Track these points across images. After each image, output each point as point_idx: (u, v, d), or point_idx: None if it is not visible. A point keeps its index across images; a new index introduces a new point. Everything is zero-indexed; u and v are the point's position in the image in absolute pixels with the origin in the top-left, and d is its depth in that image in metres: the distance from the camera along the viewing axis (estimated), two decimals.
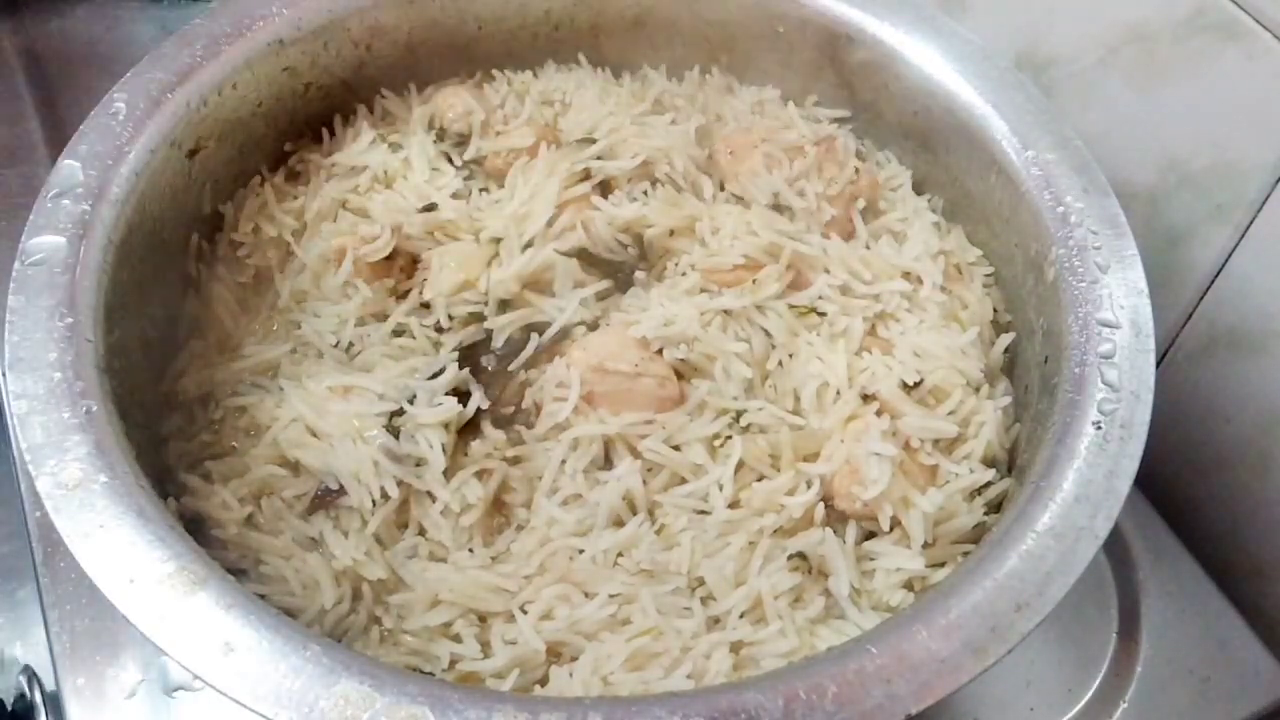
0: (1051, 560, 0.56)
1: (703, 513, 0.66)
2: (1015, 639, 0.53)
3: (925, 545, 0.66)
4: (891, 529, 0.66)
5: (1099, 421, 0.61)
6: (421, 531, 0.66)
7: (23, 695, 0.74)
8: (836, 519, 0.67)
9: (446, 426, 0.68)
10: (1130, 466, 0.59)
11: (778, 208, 0.80)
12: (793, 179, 0.81)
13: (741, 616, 0.63)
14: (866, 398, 0.70)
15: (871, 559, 0.66)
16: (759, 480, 0.67)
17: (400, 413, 0.68)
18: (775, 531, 0.65)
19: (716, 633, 0.62)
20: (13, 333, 0.61)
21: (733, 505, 0.66)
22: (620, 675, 0.59)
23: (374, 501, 0.65)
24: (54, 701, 0.72)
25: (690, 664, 0.59)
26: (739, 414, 0.70)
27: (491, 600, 0.63)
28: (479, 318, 0.74)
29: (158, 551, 0.54)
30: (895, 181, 0.85)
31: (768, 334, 0.74)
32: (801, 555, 0.65)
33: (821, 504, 0.66)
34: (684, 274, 0.76)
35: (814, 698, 0.50)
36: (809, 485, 0.66)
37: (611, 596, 0.63)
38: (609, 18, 0.90)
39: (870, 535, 0.67)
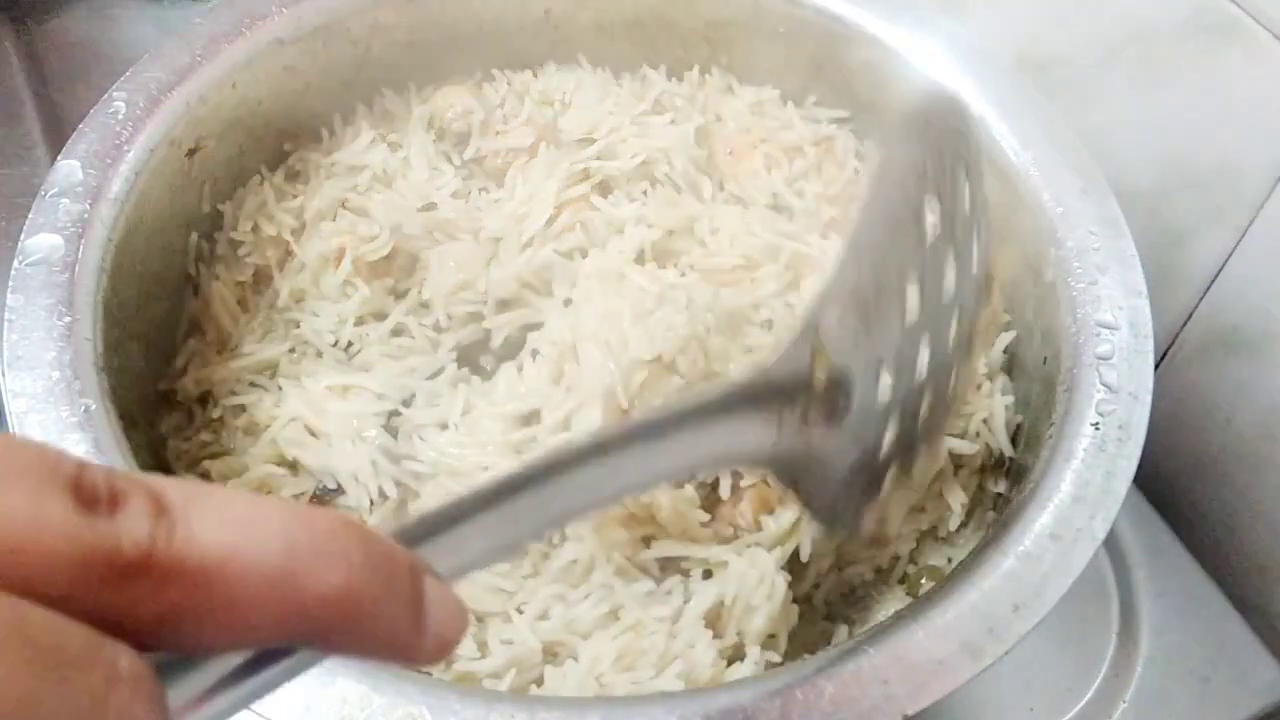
0: (1049, 561, 0.55)
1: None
2: (1013, 640, 0.53)
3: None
4: None
5: (1097, 423, 0.61)
6: None
7: None
8: None
9: (444, 427, 0.68)
10: (1128, 468, 0.59)
11: (777, 208, 0.80)
12: (792, 179, 0.81)
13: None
14: None
15: None
16: None
17: (398, 412, 0.68)
18: None
19: (689, 614, 0.61)
20: (11, 331, 0.61)
21: None
22: (612, 676, 0.58)
23: (372, 501, 0.65)
24: None
25: (681, 663, 0.59)
26: None
27: (489, 600, 0.62)
28: (478, 317, 0.74)
29: None
30: None
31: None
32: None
33: None
34: (683, 274, 0.76)
35: (811, 698, 0.50)
36: None
37: (600, 587, 0.63)
38: (609, 18, 0.89)
39: None
